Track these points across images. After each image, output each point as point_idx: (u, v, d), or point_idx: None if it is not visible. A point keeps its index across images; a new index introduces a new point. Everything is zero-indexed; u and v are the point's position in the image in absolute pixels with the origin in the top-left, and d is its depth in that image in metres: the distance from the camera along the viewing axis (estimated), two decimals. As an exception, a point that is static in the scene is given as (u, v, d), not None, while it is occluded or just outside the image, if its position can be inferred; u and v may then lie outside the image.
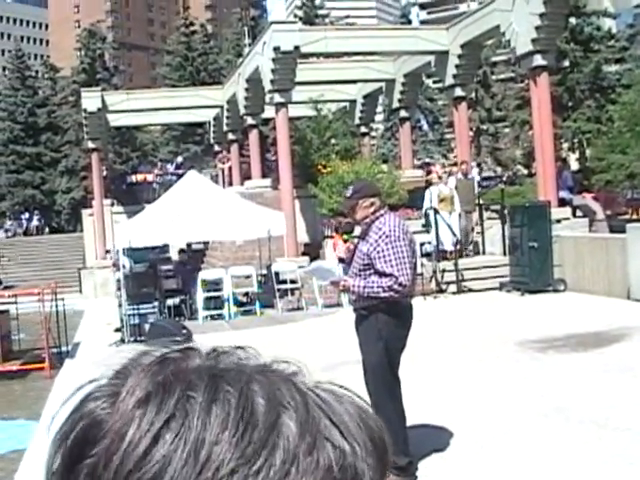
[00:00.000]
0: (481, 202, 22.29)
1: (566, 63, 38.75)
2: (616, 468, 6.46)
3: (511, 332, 13.36)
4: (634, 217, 21.24)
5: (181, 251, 23.71)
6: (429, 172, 35.68)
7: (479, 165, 28.04)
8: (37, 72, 72.16)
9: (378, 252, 6.44)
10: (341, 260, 7.00)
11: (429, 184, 23.26)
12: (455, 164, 23.03)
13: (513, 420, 8.10)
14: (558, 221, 19.11)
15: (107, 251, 36.22)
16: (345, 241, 6.71)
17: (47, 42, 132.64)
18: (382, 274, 6.41)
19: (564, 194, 21.51)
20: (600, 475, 6.35)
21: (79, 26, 61.34)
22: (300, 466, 0.65)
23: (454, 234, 20.07)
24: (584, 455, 6.84)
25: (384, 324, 6.48)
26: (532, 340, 12.41)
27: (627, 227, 16.52)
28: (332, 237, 20.43)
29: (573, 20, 38.68)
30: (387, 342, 6.49)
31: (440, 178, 22.36)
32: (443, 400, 9.11)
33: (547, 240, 18.24)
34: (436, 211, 20.56)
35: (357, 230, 7.10)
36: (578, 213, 21.31)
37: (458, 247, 20.37)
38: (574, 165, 36.58)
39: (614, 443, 7.06)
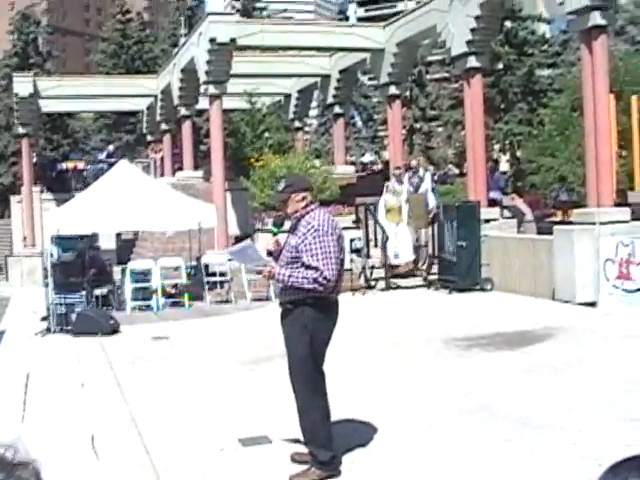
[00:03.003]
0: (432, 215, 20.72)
1: (500, 66, 39.20)
2: (535, 464, 6.57)
3: (438, 330, 13.49)
4: (564, 219, 21.55)
5: (91, 247, 22.86)
6: (364, 169, 35.89)
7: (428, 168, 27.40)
8: (-33, 55, 70.78)
9: (305, 245, 6.47)
10: (269, 253, 6.97)
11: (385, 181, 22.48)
12: (408, 168, 21.85)
13: (438, 416, 8.19)
14: (487, 221, 19.34)
15: (25, 238, 35.69)
16: (274, 234, 6.66)
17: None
18: (308, 267, 6.44)
19: (496, 195, 21.75)
20: (519, 470, 6.46)
21: (13, 9, 60.08)
22: None
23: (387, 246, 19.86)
24: (505, 451, 6.94)
25: (310, 318, 6.50)
26: (458, 338, 12.55)
27: (554, 229, 16.79)
28: (262, 231, 20.46)
29: (508, 24, 39.15)
30: (312, 336, 6.52)
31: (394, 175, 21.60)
32: (369, 396, 9.17)
33: (476, 240, 18.46)
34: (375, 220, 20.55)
35: (287, 224, 7.11)
36: (506, 214, 21.56)
37: (400, 261, 20.14)
38: (504, 166, 37.06)
39: (534, 440, 7.18)
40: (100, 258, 20.75)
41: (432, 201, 20.60)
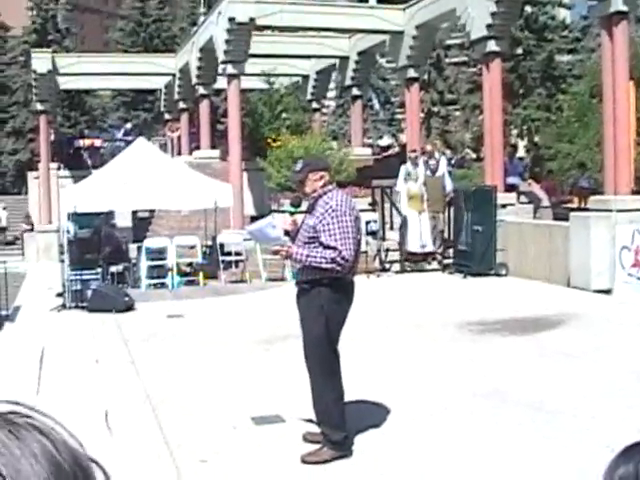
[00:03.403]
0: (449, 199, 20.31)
1: (519, 50, 39.00)
2: (548, 449, 6.59)
3: (452, 314, 13.49)
4: (581, 206, 21.49)
5: (107, 225, 22.82)
6: (381, 152, 35.80)
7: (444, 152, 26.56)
8: (-14, 30, 70.77)
9: (324, 225, 6.47)
10: (286, 233, 6.96)
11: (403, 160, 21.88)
12: (424, 152, 21.25)
13: (451, 400, 8.21)
14: (503, 206, 19.27)
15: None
16: (291, 214, 6.65)
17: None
18: (326, 247, 6.44)
19: (515, 180, 21.66)
20: (532, 455, 6.47)
21: (32, -15, 60.27)
22: None
23: (421, 237, 19.59)
24: (518, 436, 6.96)
25: (326, 299, 6.51)
26: (473, 322, 12.55)
27: (570, 216, 16.74)
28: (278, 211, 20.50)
29: (528, 8, 38.91)
30: (328, 317, 6.53)
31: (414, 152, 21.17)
32: (382, 378, 9.19)
33: (492, 224, 18.40)
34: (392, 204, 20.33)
35: (305, 205, 7.10)
36: (522, 199, 21.49)
37: (426, 250, 19.78)
38: (522, 152, 36.95)
39: (547, 425, 7.19)
40: (115, 235, 20.84)
41: (449, 185, 20.32)
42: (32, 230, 34.33)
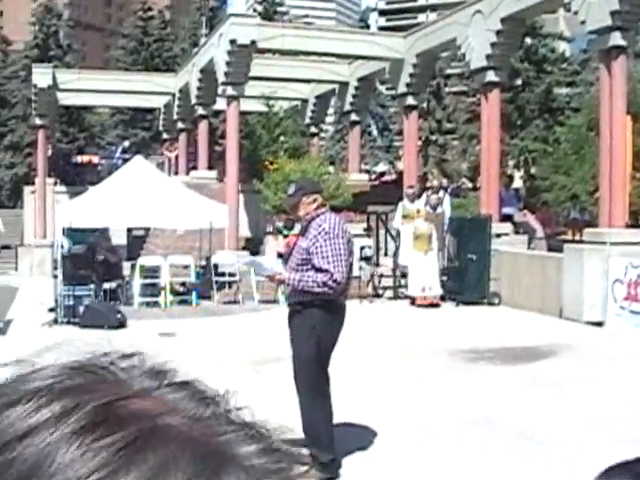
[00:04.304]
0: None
1: (518, 82, 39.22)
2: (535, 478, 6.58)
3: (444, 341, 13.49)
4: (576, 238, 21.52)
5: (104, 239, 22.76)
6: (377, 178, 35.91)
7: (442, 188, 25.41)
8: (-12, 43, 70.97)
9: (316, 247, 6.52)
10: (280, 255, 7.01)
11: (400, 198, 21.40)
12: (428, 188, 20.71)
13: (440, 426, 8.21)
14: (498, 236, 19.30)
15: None
16: (285, 236, 6.70)
17: (1, 13, 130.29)
18: (318, 270, 6.48)
19: (510, 210, 21.73)
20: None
21: (35, 0, 60.52)
22: None
23: (428, 278, 18.54)
24: (506, 464, 6.95)
25: (318, 320, 6.54)
26: (464, 350, 12.55)
27: (564, 247, 16.79)
28: (272, 234, 20.51)
29: (529, 40, 39.17)
30: (320, 338, 6.56)
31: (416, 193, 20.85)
32: (372, 403, 9.18)
33: (486, 253, 18.43)
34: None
35: (297, 227, 7.15)
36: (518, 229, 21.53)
37: (431, 293, 18.58)
38: (518, 183, 37.07)
39: (537, 455, 7.19)
40: (117, 251, 20.95)
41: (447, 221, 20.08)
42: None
